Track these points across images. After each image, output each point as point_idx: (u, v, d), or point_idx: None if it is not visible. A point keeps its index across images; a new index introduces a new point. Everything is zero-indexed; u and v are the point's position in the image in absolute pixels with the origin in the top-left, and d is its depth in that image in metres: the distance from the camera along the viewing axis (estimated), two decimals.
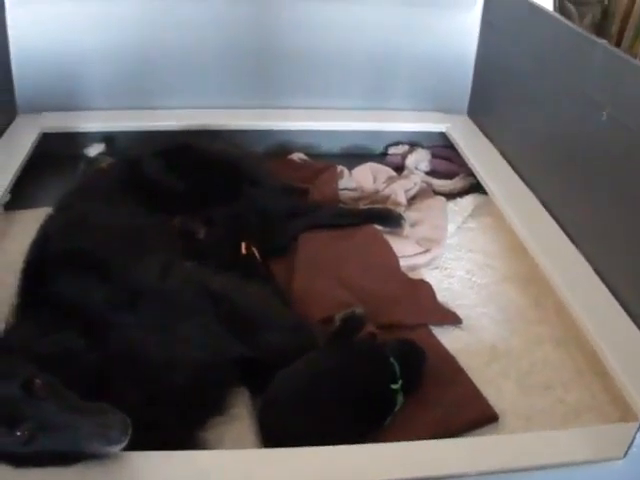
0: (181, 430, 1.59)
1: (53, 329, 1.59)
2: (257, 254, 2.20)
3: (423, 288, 2.24)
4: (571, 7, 2.69)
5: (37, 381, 1.36)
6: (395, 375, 1.76)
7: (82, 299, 1.69)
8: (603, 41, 2.19)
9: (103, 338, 1.60)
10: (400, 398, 1.76)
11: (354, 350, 1.82)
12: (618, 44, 3.21)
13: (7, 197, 2.50)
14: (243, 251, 2.17)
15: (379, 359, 1.80)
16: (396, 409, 1.75)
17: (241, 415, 1.74)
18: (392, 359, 1.79)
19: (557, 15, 2.63)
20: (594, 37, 2.27)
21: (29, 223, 2.29)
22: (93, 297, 1.70)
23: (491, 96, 3.05)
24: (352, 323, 1.87)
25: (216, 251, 2.16)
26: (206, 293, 1.78)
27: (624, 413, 1.81)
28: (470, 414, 1.78)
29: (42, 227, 2.03)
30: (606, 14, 2.69)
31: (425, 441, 1.60)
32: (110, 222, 2.01)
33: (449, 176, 2.99)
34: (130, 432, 1.35)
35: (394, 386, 1.75)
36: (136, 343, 1.63)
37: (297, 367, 1.74)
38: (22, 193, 2.62)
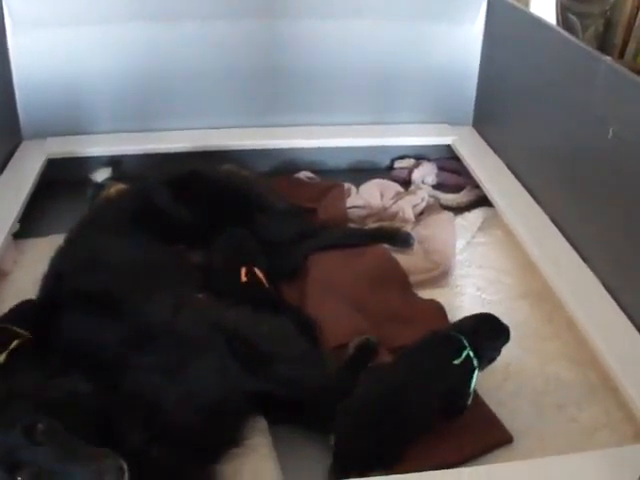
0: (196, 465, 1.60)
1: (62, 371, 1.59)
2: (264, 279, 2.18)
3: (434, 308, 2.24)
4: (574, 19, 2.70)
5: (39, 426, 1.35)
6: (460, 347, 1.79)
7: (93, 340, 1.70)
8: (607, 58, 2.18)
9: (113, 380, 1.60)
10: (474, 364, 1.80)
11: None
12: (621, 55, 3.20)
13: (16, 227, 2.49)
14: (243, 278, 2.15)
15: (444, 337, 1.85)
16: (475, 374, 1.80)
17: (258, 446, 1.75)
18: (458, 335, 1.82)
19: (559, 29, 2.62)
20: (598, 53, 2.26)
21: (39, 252, 2.33)
22: (104, 338, 1.70)
23: (496, 107, 3.04)
24: (366, 350, 1.91)
25: (216, 279, 2.16)
26: (218, 329, 1.78)
27: (638, 430, 1.81)
28: (485, 438, 1.79)
29: (52, 262, 2.03)
30: (609, 25, 2.69)
31: (443, 471, 1.61)
32: (121, 257, 2.01)
33: (456, 189, 2.99)
34: (126, 477, 1.34)
35: (456, 361, 1.78)
36: (147, 384, 1.63)
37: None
38: (30, 221, 2.61)
